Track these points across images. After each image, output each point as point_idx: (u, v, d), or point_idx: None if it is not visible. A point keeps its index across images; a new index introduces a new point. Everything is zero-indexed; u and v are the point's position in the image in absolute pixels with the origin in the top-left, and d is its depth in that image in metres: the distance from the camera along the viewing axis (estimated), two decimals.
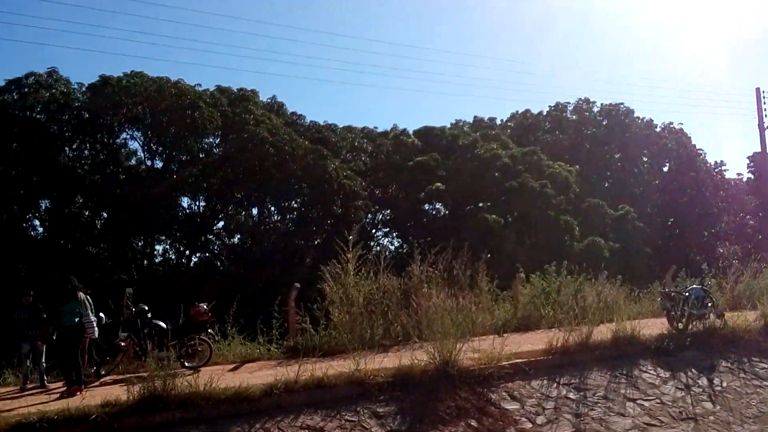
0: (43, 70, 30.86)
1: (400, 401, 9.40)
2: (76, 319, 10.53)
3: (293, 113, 36.41)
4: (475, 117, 46.93)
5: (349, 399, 9.27)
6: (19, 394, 10.48)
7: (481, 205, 35.33)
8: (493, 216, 32.19)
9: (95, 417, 7.98)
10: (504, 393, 10.11)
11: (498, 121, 47.88)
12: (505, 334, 11.28)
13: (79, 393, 9.99)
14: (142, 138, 31.65)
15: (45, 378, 11.13)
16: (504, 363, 10.45)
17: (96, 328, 11.33)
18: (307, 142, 31.55)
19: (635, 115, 47.61)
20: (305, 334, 12.99)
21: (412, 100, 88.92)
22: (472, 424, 9.27)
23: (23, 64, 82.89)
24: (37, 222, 31.00)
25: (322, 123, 36.57)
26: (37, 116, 30.06)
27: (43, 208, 30.60)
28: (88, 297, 11.12)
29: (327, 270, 13.36)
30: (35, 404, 9.03)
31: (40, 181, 28.62)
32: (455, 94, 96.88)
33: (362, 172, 34.24)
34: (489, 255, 15.14)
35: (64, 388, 10.25)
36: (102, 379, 11.31)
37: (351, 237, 13.57)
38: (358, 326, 12.91)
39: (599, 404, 10.39)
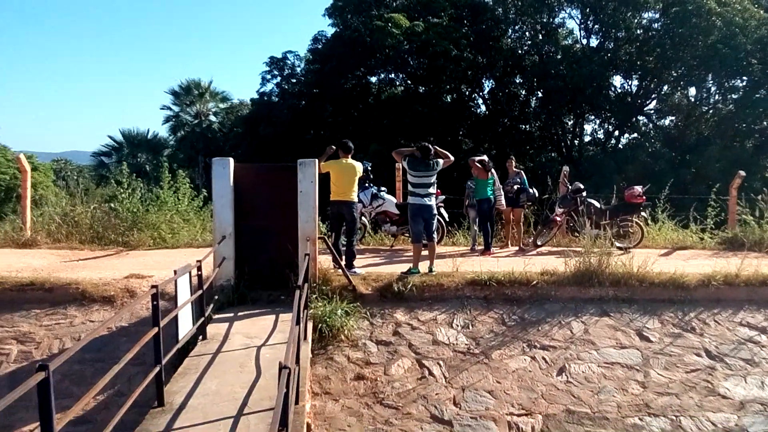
0: None
1: None
2: (490, 193, 11.80)
3: None
4: None
5: None
6: (469, 255, 11.71)
7: None
8: None
9: (536, 282, 8.85)
10: None
11: None
12: None
13: (489, 255, 11.37)
14: (579, 16, 31.56)
15: (475, 242, 12.40)
16: None
17: (504, 200, 12.41)
18: (762, 12, 27.56)
19: None
20: (747, 227, 12.11)
21: None
22: None
23: None
24: (480, 101, 34.04)
25: None
26: (487, 0, 32.23)
27: (487, 88, 33.32)
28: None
29: None
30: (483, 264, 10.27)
31: (486, 62, 30.98)
32: None
33: None
34: None
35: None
36: (538, 249, 12.26)
37: None
38: None
39: None
